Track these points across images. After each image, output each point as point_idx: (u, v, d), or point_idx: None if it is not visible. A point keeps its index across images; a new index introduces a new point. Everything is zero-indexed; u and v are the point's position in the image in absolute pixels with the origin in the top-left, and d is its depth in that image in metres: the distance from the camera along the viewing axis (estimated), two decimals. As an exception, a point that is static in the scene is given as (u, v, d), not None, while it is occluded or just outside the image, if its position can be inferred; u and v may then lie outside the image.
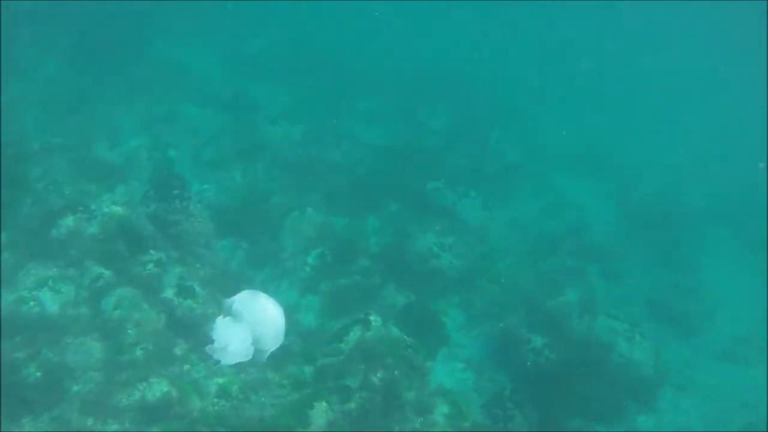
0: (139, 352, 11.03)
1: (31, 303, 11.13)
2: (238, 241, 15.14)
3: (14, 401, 9.87)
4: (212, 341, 8.71)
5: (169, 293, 11.98)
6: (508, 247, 17.53)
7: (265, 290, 13.86)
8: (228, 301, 9.40)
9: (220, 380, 11.13)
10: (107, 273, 11.76)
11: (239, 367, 11.39)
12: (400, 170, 18.63)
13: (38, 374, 10.28)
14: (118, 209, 12.67)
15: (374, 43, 28.75)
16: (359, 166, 18.67)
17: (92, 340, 10.90)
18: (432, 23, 33.72)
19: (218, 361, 8.79)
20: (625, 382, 14.04)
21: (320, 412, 10.79)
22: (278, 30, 27.11)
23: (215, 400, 10.85)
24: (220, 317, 8.80)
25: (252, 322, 8.70)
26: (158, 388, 10.56)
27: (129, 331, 11.22)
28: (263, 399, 10.97)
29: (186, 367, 11.21)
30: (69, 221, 12.22)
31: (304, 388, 11.33)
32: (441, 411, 12.04)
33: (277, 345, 9.05)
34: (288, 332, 12.60)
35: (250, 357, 8.84)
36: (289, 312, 13.36)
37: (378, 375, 11.79)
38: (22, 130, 15.22)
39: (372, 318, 12.69)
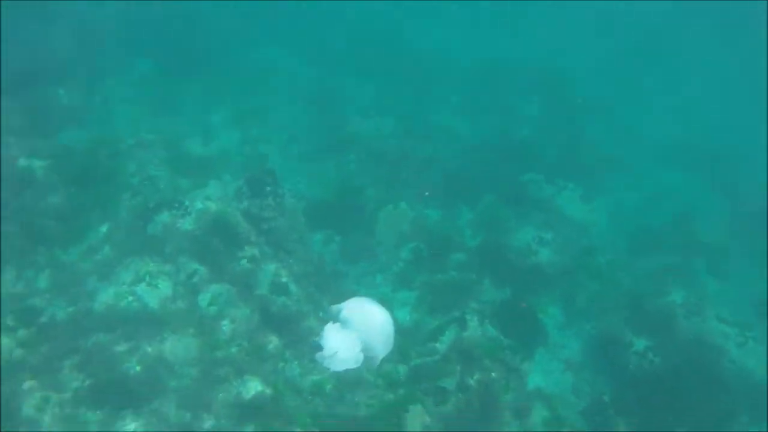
0: (234, 349, 11.01)
1: (130, 298, 11.24)
2: (331, 235, 14.96)
3: (117, 394, 9.97)
4: (320, 347, 8.62)
5: (263, 290, 11.90)
6: (608, 241, 16.74)
7: (359, 285, 14.02)
8: (336, 307, 9.25)
9: (315, 378, 10.98)
10: (202, 269, 11.78)
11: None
12: (494, 162, 18.06)
13: (138, 368, 10.36)
14: (211, 205, 12.69)
15: (454, 36, 28.21)
16: (452, 159, 18.21)
17: (189, 336, 10.92)
18: (517, 19, 33.08)
19: (327, 368, 8.78)
20: (736, 391, 13.09)
21: (415, 416, 10.47)
22: (357, 27, 26.88)
23: (309, 398, 10.72)
24: (329, 324, 8.72)
25: (361, 329, 8.60)
26: (253, 385, 10.49)
27: (224, 327, 11.21)
28: (357, 398, 10.73)
29: (280, 364, 11.12)
30: (164, 217, 12.30)
31: (399, 388, 11.04)
32: (539, 415, 11.57)
33: (387, 352, 8.90)
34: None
35: (359, 364, 8.71)
36: (383, 304, 13.26)
37: (474, 377, 11.39)
38: (116, 127, 15.49)
39: (468, 317, 12.29)
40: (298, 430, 10.10)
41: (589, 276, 15.04)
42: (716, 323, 13.78)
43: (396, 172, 16.96)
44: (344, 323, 8.83)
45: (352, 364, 8.76)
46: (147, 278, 11.57)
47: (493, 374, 11.49)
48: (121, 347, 10.55)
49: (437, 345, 11.90)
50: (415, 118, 20.02)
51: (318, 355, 8.64)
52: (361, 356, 8.76)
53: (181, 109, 17.98)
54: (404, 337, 12.38)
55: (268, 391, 10.51)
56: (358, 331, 8.72)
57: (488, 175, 17.38)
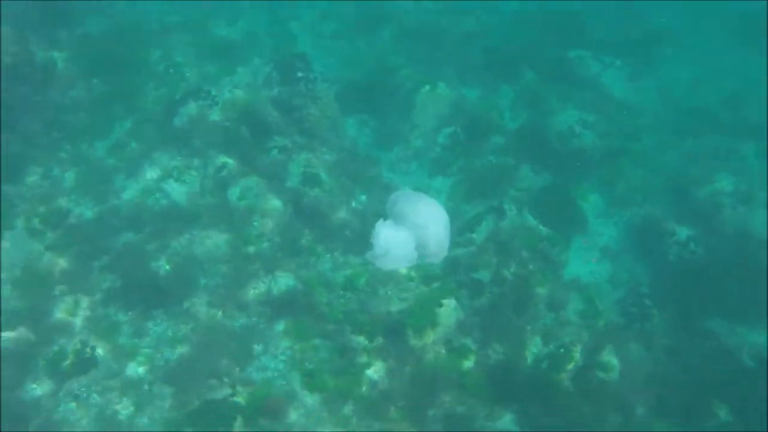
0: (265, 244, 10.89)
1: (158, 194, 11.11)
2: (365, 119, 14.34)
3: (147, 294, 10.01)
4: (371, 247, 8.21)
5: (294, 181, 11.57)
6: (655, 123, 15.74)
7: (393, 172, 13.60)
8: (389, 201, 8.73)
9: (347, 272, 10.85)
10: (231, 162, 11.50)
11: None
12: (538, 37, 16.86)
13: (168, 267, 10.35)
14: (240, 93, 12.25)
15: None
16: (494, 33, 17.07)
17: (219, 232, 10.82)
18: None
19: (379, 268, 8.40)
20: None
21: (449, 310, 10.32)
22: None
23: (341, 292, 10.62)
24: (380, 221, 8.28)
25: (415, 226, 8.10)
26: (284, 281, 10.43)
27: (255, 222, 11.04)
28: (390, 292, 10.59)
29: (312, 259, 10.98)
30: (191, 108, 11.93)
31: (433, 281, 10.83)
32: (574, 307, 11.27)
33: (444, 251, 8.40)
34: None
35: (414, 263, 8.32)
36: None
37: (511, 269, 11.10)
38: (139, 11, 14.83)
39: (507, 206, 11.85)
40: (331, 326, 10.08)
41: (632, 161, 14.27)
42: (763, 213, 13.05)
43: (434, 49, 16.02)
44: (397, 219, 8.21)
45: (405, 263, 8.30)
46: (174, 173, 11.39)
47: (530, 266, 11.19)
48: (151, 246, 10.53)
49: (474, 236, 11.56)
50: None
51: (368, 254, 8.23)
52: (415, 255, 8.28)
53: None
54: (439, 227, 12.06)
55: (300, 286, 10.45)
56: (412, 227, 8.19)
57: (531, 51, 16.33)
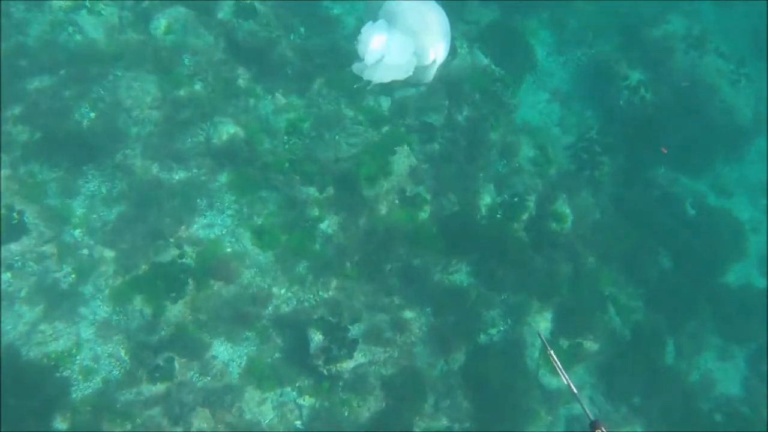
0: (198, 86, 9.86)
1: (70, 29, 9.72)
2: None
3: (73, 147, 8.95)
4: (358, 55, 6.75)
5: (226, 12, 10.33)
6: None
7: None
8: (374, 2, 7.10)
9: (290, 115, 10.03)
10: (151, -9, 10.10)
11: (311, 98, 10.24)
12: None
13: (92, 114, 9.26)
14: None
15: None
16: None
17: (145, 73, 9.68)
18: None
19: (368, 83, 6.81)
20: (719, 131, 12.54)
21: (402, 158, 9.78)
22: None
23: (285, 138, 9.88)
24: (368, 24, 6.76)
25: (407, 26, 6.62)
26: (224, 128, 9.55)
27: (185, 60, 9.92)
28: (338, 137, 9.91)
29: (251, 101, 10.06)
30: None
31: (382, 124, 10.18)
32: (525, 154, 10.95)
33: (443, 56, 6.91)
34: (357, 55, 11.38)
35: (411, 73, 6.80)
36: (361, 27, 11.85)
37: (464, 113, 10.56)
38: None
39: (457, 42, 11.05)
40: (280, 177, 9.41)
41: (583, -3, 13.46)
42: (714, 58, 12.74)
43: None
44: (388, 19, 6.73)
45: (401, 73, 6.78)
46: (87, 3, 9.93)
47: (482, 110, 10.67)
48: (70, 91, 9.32)
49: (422, 75, 10.81)
50: None
51: (355, 66, 6.72)
52: (413, 60, 6.78)
53: None
54: (385, 65, 11.21)
55: (241, 133, 9.62)
56: (404, 28, 6.70)
57: None
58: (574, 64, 12.92)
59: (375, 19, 6.88)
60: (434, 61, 6.87)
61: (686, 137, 12.14)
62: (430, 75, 7.13)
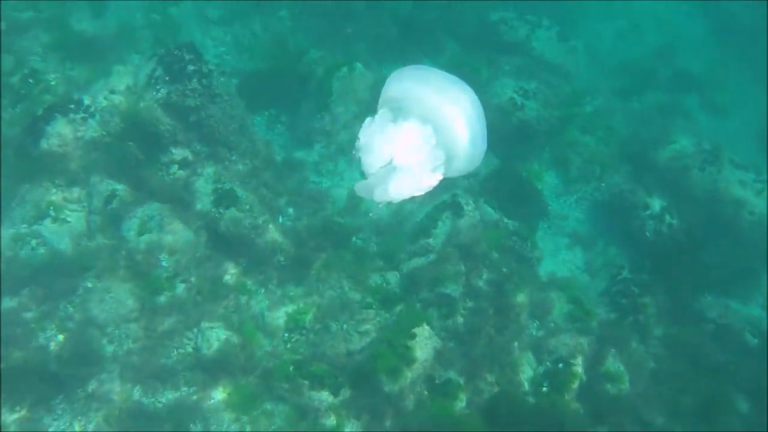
0: (180, 288, 8.64)
1: (33, 242, 8.61)
2: (275, 115, 12.01)
3: (37, 378, 7.60)
4: (359, 159, 4.50)
5: (205, 203, 9.30)
6: (592, 84, 14.35)
7: (319, 174, 11.50)
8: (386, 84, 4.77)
9: (288, 309, 8.79)
10: (121, 188, 9.13)
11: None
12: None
13: (60, 337, 7.98)
14: (119, 100, 9.80)
15: None
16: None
17: (119, 281, 8.48)
18: None
19: (378, 204, 4.50)
20: (755, 244, 11.58)
21: (424, 340, 8.42)
22: None
23: (286, 336, 8.58)
24: (368, 120, 4.56)
25: (424, 116, 4.43)
26: (213, 334, 8.24)
27: (163, 261, 8.75)
28: (346, 326, 8.61)
29: (243, 298, 8.83)
30: (60, 125, 9.34)
31: (395, 304, 8.93)
32: (560, 311, 9.70)
33: (480, 152, 4.67)
34: (358, 227, 10.26)
35: (436, 182, 4.48)
36: (355, 202, 10.87)
37: (483, 276, 9.33)
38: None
39: (462, 199, 10.03)
40: (284, 384, 8.00)
41: (580, 129, 12.80)
42: (732, 169, 12.01)
43: (340, 24, 13.88)
44: (396, 109, 4.51)
45: (426, 179, 4.51)
46: (51, 212, 8.90)
47: (503, 269, 9.46)
48: (32, 313, 8.08)
49: (430, 241, 9.68)
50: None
51: (359, 186, 4.46)
52: (440, 166, 4.54)
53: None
54: (387, 234, 10.14)
55: (234, 337, 8.29)
56: (419, 112, 4.54)
57: (448, 17, 14.45)
58: (587, 202, 12.01)
59: (380, 107, 4.71)
60: (470, 140, 4.59)
61: (724, 258, 11.07)
62: (470, 157, 4.71)
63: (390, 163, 4.37)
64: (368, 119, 4.54)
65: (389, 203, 4.59)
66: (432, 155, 4.44)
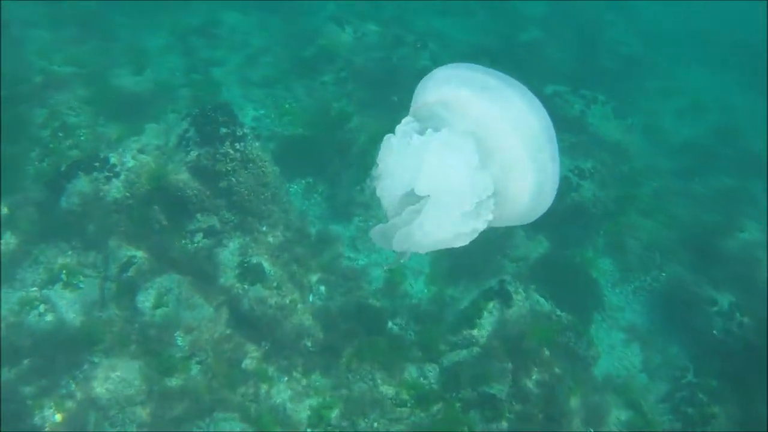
0: (195, 370, 7.79)
1: (41, 307, 7.94)
2: (312, 184, 11.33)
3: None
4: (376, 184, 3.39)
5: (228, 277, 8.52)
6: (651, 164, 13.52)
7: (356, 251, 10.70)
8: (419, 87, 3.73)
9: (313, 401, 7.87)
10: (140, 255, 8.43)
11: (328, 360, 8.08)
12: (504, 71, 14.44)
13: (57, 417, 7.15)
14: (147, 160, 9.18)
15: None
16: (452, 69, 14.48)
17: (129, 358, 7.68)
18: None
19: (402, 256, 3.33)
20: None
21: (463, 448, 7.41)
22: None
23: (309, 432, 7.62)
24: (388, 136, 3.40)
25: (470, 131, 3.22)
26: (227, 426, 7.32)
27: (178, 339, 7.94)
28: (376, 424, 7.66)
29: (263, 387, 7.93)
30: (82, 183, 8.73)
31: (432, 403, 7.97)
32: (616, 418, 8.62)
33: (551, 192, 3.40)
34: (395, 311, 9.35)
35: (482, 227, 3.29)
36: (393, 282, 10.00)
37: (533, 377, 8.31)
38: (22, 59, 11.63)
39: (510, 286, 9.10)
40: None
41: (638, 212, 11.93)
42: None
43: (386, 91, 13.30)
44: (426, 120, 3.42)
45: (460, 231, 3.23)
46: (63, 276, 8.22)
47: (555, 369, 8.44)
48: (31, 387, 7.28)
49: (474, 332, 8.73)
50: (400, 22, 16.27)
51: (374, 232, 3.32)
52: (488, 205, 3.26)
53: (107, 29, 13.86)
54: (427, 321, 9.22)
55: (251, 431, 7.37)
56: (466, 136, 3.23)
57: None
58: (646, 293, 10.96)
59: (406, 124, 3.50)
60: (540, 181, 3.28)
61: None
62: (533, 207, 3.47)
63: (417, 195, 3.18)
64: (388, 136, 3.40)
65: (414, 255, 3.34)
66: (477, 187, 3.19)
